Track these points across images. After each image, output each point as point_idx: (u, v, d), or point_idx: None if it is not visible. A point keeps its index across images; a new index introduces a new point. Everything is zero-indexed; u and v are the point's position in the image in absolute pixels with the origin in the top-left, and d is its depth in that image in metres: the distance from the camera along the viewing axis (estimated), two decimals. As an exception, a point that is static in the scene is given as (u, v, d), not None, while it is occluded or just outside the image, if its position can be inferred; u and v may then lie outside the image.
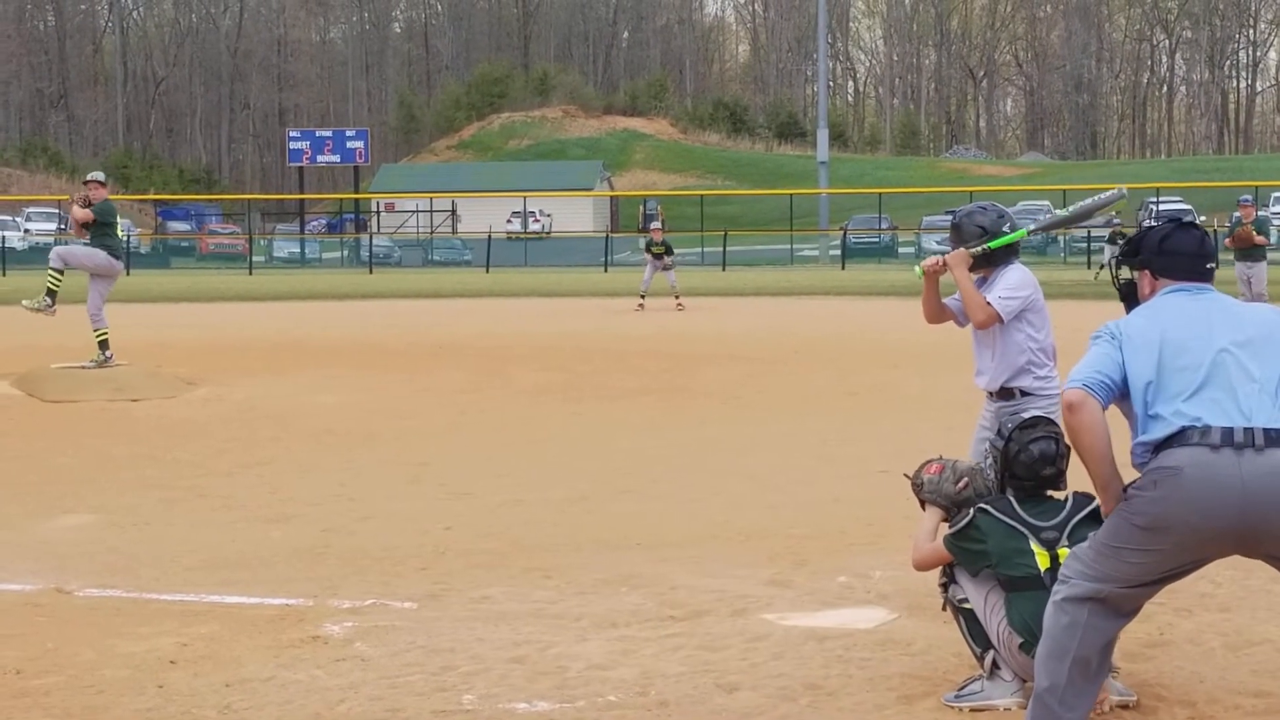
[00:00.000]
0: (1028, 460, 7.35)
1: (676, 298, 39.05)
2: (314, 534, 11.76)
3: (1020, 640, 7.04)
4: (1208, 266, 6.41)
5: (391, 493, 13.66)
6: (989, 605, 7.27)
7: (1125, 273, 6.72)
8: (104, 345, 21.27)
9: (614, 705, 7.46)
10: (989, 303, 8.79)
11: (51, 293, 21.47)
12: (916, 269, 9.24)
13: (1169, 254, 6.40)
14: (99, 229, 21.22)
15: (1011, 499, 7.35)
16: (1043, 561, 7.11)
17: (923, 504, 7.95)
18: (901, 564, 10.10)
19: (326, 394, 20.82)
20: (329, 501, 13.16)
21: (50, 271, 21.54)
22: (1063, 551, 7.08)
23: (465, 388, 21.60)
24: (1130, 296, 6.63)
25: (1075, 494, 7.26)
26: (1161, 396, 5.98)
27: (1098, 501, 6.45)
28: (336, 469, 14.94)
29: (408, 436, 17.28)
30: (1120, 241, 47.46)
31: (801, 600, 9.45)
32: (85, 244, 21.44)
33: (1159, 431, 5.93)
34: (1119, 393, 6.07)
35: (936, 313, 9.31)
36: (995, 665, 7.24)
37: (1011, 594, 7.15)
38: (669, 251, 40.19)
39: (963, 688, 7.31)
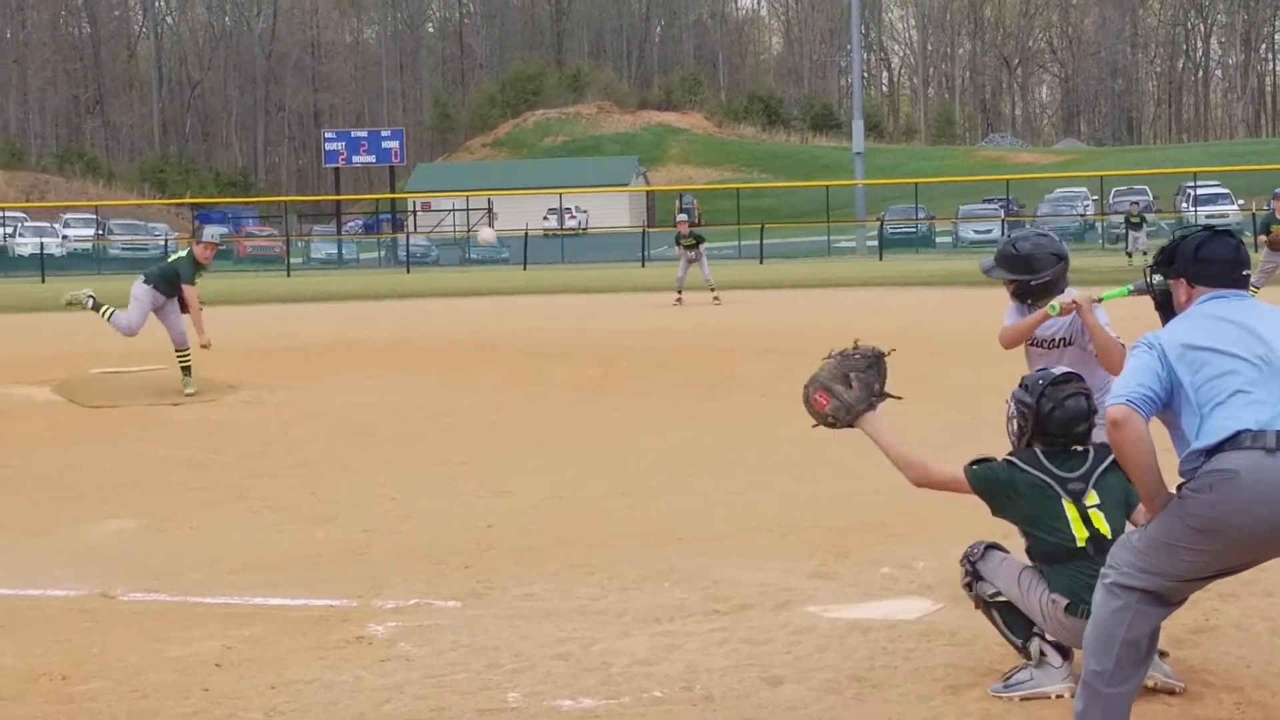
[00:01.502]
0: (1064, 417, 7.31)
1: (712, 290, 38.88)
2: (356, 534, 11.77)
3: (1066, 602, 7.03)
4: (1244, 274, 6.38)
5: (432, 492, 13.67)
6: (1024, 585, 7.25)
7: (1159, 281, 6.68)
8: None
9: (659, 700, 7.45)
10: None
11: (187, 368, 20.94)
12: (1054, 305, 9.00)
13: (1205, 262, 6.37)
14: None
15: (1039, 452, 7.32)
16: (1077, 529, 7.10)
17: (850, 426, 7.91)
18: (945, 554, 10.09)
19: (365, 394, 20.85)
20: (370, 502, 13.17)
21: (177, 355, 20.99)
22: (1091, 496, 7.13)
23: (503, 385, 21.62)
24: (1166, 306, 6.60)
25: (1096, 446, 7.28)
26: (1212, 403, 5.94)
27: None
28: (377, 469, 14.95)
29: (447, 435, 17.29)
30: (1139, 224, 46.50)
31: (845, 592, 9.42)
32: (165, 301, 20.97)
33: (1212, 437, 5.88)
34: (1161, 404, 6.03)
35: (1022, 341, 9.22)
36: (1043, 653, 7.21)
37: (1046, 567, 7.16)
38: (700, 242, 39.94)
39: (1009, 677, 7.27)
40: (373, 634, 8.78)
